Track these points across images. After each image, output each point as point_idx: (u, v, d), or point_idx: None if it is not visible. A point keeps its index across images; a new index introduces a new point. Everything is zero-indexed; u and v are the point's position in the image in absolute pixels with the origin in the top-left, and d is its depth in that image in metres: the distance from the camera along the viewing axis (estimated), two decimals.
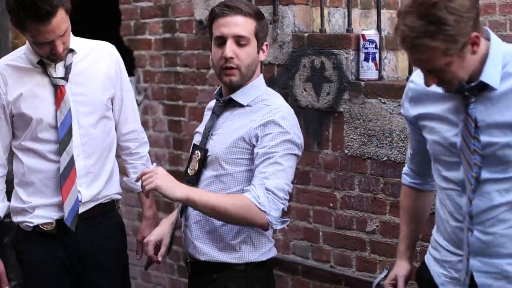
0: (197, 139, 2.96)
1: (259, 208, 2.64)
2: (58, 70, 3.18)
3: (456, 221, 2.49)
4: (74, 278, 3.29)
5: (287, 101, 3.88)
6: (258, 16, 2.81)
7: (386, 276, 3.58)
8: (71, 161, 3.18)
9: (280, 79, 4.08)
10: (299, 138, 2.83)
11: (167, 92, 4.79)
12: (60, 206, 3.20)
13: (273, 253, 2.95)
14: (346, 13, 4.15)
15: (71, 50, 3.19)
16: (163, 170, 2.71)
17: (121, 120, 3.40)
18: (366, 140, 3.71)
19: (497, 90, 2.31)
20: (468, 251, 2.44)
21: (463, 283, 2.49)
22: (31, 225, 3.24)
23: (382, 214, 3.69)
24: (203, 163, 2.85)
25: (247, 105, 2.84)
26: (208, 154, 2.84)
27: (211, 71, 4.50)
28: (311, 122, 3.93)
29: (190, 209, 2.88)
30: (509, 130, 2.30)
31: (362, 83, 3.73)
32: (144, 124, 4.82)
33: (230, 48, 2.76)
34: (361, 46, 3.76)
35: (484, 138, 2.33)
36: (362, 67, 3.76)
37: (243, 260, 2.84)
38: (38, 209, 3.23)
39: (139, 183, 3.23)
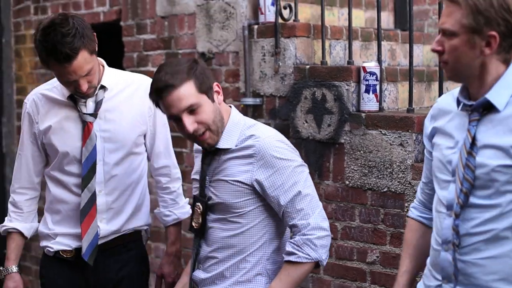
0: (195, 186, 2.96)
1: (317, 262, 2.77)
2: (89, 106, 3.20)
3: (436, 244, 2.50)
4: None
5: (288, 133, 3.97)
6: (190, 74, 2.71)
7: None
8: (93, 197, 3.22)
9: (281, 111, 4.12)
10: (298, 156, 2.86)
11: (170, 123, 4.81)
12: (79, 237, 3.24)
13: None
14: (347, 45, 4.21)
15: (103, 87, 3.20)
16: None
17: (153, 155, 3.39)
18: (366, 171, 3.74)
19: (500, 113, 2.33)
20: (454, 273, 2.43)
21: None
22: (52, 250, 3.30)
23: (382, 244, 3.71)
24: (206, 214, 2.86)
25: (235, 146, 2.81)
26: (213, 201, 2.84)
27: None
28: (312, 153, 3.96)
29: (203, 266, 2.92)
30: (503, 154, 2.30)
31: (363, 114, 3.77)
32: None
33: (188, 122, 2.70)
34: (362, 78, 3.80)
35: (478, 158, 2.34)
36: (363, 98, 3.80)
37: None
38: (60, 236, 3.29)
39: (167, 218, 3.39)
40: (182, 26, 4.73)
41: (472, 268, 2.39)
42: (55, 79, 3.21)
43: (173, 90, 2.67)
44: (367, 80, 3.79)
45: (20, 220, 3.38)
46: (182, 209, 3.46)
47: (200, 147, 2.94)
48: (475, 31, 2.28)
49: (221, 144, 2.81)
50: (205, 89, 2.73)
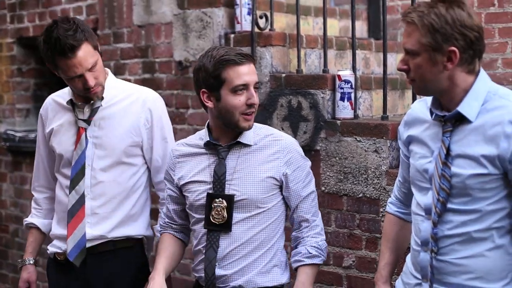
0: (199, 189, 3.00)
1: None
2: (85, 112, 3.31)
3: (416, 245, 2.61)
4: None
5: None
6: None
7: None
8: (81, 200, 3.30)
9: (258, 118, 4.13)
10: None
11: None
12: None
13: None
14: (322, 54, 4.28)
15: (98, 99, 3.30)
16: None
17: (152, 169, 3.44)
18: (342, 177, 3.81)
19: (472, 123, 2.43)
20: (431, 273, 2.53)
21: None
22: (49, 252, 3.44)
23: (358, 249, 3.78)
24: (231, 208, 2.93)
25: (254, 144, 2.97)
26: (238, 198, 2.92)
27: (190, 111, 4.60)
28: None
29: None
30: (475, 163, 2.42)
31: (338, 122, 3.84)
32: None
33: (254, 96, 2.92)
34: (337, 86, 3.87)
35: (453, 168, 2.45)
36: (338, 106, 3.87)
37: (276, 283, 3.00)
38: (56, 239, 3.42)
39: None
40: (159, 35, 4.77)
41: (450, 267, 2.50)
42: (68, 87, 3.36)
43: (252, 61, 2.97)
44: (342, 88, 3.86)
45: (39, 216, 3.60)
46: None
47: (185, 152, 3.07)
48: (435, 49, 2.39)
49: (242, 139, 2.95)
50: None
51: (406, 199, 2.86)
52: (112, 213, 3.34)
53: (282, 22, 4.76)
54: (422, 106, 2.65)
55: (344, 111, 3.86)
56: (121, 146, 3.33)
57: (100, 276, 3.34)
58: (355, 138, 3.76)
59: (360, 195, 3.75)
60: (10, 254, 5.99)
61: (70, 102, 3.33)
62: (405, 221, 2.89)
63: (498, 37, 5.03)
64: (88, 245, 3.30)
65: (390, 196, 3.51)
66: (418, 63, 2.43)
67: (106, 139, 3.32)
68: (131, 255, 3.42)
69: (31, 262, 3.55)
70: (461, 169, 2.44)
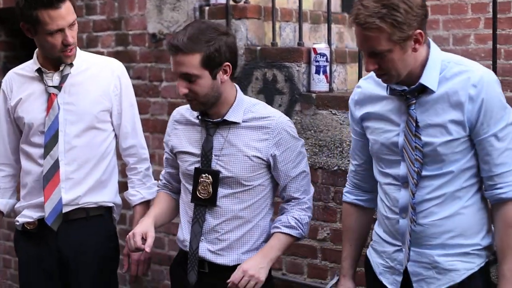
0: (189, 160, 3.01)
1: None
2: (55, 79, 3.34)
3: (393, 213, 2.66)
4: (58, 280, 3.39)
5: None
6: (204, 46, 2.80)
7: (337, 283, 3.69)
8: (55, 165, 3.32)
9: None
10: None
11: (138, 103, 4.81)
12: (42, 206, 3.33)
13: None
14: (297, 28, 4.28)
15: (71, 64, 3.34)
16: (249, 263, 2.88)
17: (120, 135, 3.47)
18: (317, 150, 3.82)
19: (434, 93, 2.50)
20: (409, 240, 2.59)
21: (398, 271, 2.67)
22: (18, 223, 3.42)
23: (333, 222, 3.80)
24: (216, 184, 2.94)
25: (243, 121, 2.94)
26: (224, 175, 2.93)
27: (164, 84, 4.58)
28: None
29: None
30: (445, 130, 2.50)
31: (313, 95, 3.85)
32: None
33: (181, 85, 2.84)
34: (312, 59, 3.87)
35: (423, 137, 2.52)
36: (313, 79, 3.87)
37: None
38: (25, 209, 3.41)
39: (133, 197, 3.46)
40: (133, 7, 4.73)
41: (431, 229, 2.58)
42: (29, 61, 3.41)
43: (181, 52, 2.79)
44: (317, 61, 3.86)
45: None
46: (149, 189, 3.51)
47: (179, 118, 3.07)
48: (405, 39, 2.42)
49: (229, 117, 2.92)
50: (209, 65, 2.82)
51: (364, 181, 2.90)
52: (84, 178, 3.37)
53: None
54: (371, 83, 2.71)
55: (319, 84, 3.86)
56: (93, 111, 3.36)
57: (71, 244, 3.36)
58: (330, 111, 3.77)
59: (335, 168, 3.76)
60: None
61: (39, 70, 3.35)
62: (363, 208, 2.93)
63: (471, 13, 5.07)
64: (63, 210, 3.33)
65: None
66: (390, 58, 2.45)
67: (77, 105, 3.35)
68: (101, 223, 3.45)
69: None
70: (432, 137, 2.51)
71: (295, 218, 2.97)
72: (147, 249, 2.94)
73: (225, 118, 2.93)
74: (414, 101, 2.53)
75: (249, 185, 2.94)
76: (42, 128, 3.33)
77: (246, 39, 4.16)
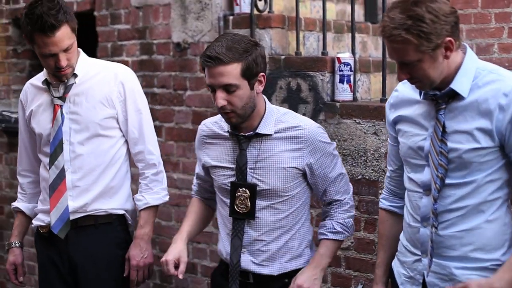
0: (224, 173, 3.02)
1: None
2: (60, 90, 3.40)
3: (414, 221, 2.66)
4: (72, 284, 3.46)
5: None
6: (243, 56, 2.80)
7: None
8: (61, 174, 3.38)
9: None
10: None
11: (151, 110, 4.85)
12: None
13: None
14: (320, 37, 4.30)
15: (74, 74, 3.38)
16: (302, 277, 2.94)
17: (129, 141, 3.51)
18: (341, 159, 3.81)
19: (465, 99, 2.49)
20: (431, 247, 2.58)
21: (418, 282, 2.66)
22: (33, 225, 3.54)
23: (357, 231, 3.80)
24: (254, 198, 2.95)
25: (275, 132, 2.94)
26: (261, 188, 2.94)
27: (188, 92, 4.60)
28: None
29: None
30: (472, 138, 2.48)
31: (337, 104, 3.86)
32: None
33: (220, 97, 2.81)
34: (336, 68, 3.89)
35: (449, 143, 2.51)
36: (337, 88, 3.88)
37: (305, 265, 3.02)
38: (40, 213, 3.51)
39: (138, 202, 3.47)
40: (157, 16, 4.76)
41: (451, 240, 2.55)
42: (43, 72, 3.46)
43: (220, 64, 2.78)
44: (341, 70, 3.87)
45: (24, 201, 3.68)
46: (154, 194, 3.52)
47: (209, 133, 3.07)
48: (434, 48, 2.42)
49: (261, 129, 2.92)
50: (248, 75, 2.82)
51: (399, 188, 2.88)
52: (92, 185, 3.42)
53: (280, 4, 4.75)
54: (407, 87, 2.70)
55: (343, 93, 3.87)
56: (96, 118, 3.40)
57: (80, 251, 3.42)
58: (355, 120, 3.78)
59: (359, 177, 3.77)
60: (5, 235, 5.98)
61: (45, 81, 3.41)
62: (398, 214, 2.91)
63: (495, 22, 5.05)
64: (71, 217, 3.39)
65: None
66: (421, 67, 2.45)
67: (81, 114, 3.40)
68: (111, 231, 3.49)
69: (17, 245, 3.64)
70: (458, 144, 2.50)
71: (340, 223, 3.01)
72: (180, 276, 3.01)
73: (257, 131, 2.93)
74: (444, 106, 2.53)
75: (286, 195, 2.95)
76: (49, 138, 3.40)
77: (270, 48, 4.18)
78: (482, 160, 2.48)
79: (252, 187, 2.93)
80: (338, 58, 3.88)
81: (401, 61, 2.47)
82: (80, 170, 3.41)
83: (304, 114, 3.94)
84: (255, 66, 2.83)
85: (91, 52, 5.10)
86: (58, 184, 3.38)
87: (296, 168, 2.93)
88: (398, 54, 2.45)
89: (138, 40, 4.89)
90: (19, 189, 3.71)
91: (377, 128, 3.68)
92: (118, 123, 3.46)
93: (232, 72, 2.79)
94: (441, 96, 2.52)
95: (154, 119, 4.74)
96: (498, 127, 2.44)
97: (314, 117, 3.91)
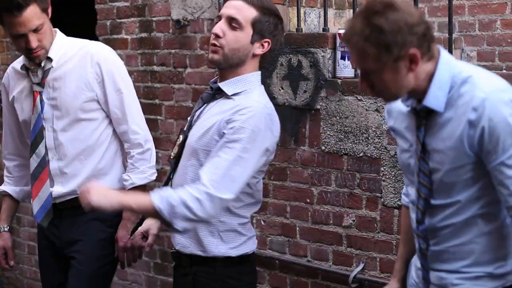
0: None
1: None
2: (39, 75, 3.34)
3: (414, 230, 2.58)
4: (67, 262, 3.46)
5: None
6: (264, 10, 2.79)
7: (362, 269, 3.68)
8: (42, 162, 3.37)
9: None
10: (258, 138, 2.72)
11: (144, 91, 4.82)
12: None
13: (247, 249, 2.91)
14: (321, 13, 4.25)
15: (49, 58, 3.31)
16: (95, 184, 2.77)
17: (113, 121, 3.44)
18: (342, 136, 3.79)
19: (444, 115, 2.34)
20: (424, 261, 2.52)
21: None
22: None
23: (358, 209, 3.78)
24: (183, 148, 2.88)
25: (232, 95, 2.83)
26: (187, 141, 2.85)
27: (188, 70, 4.56)
28: (288, 120, 4.00)
29: None
30: (447, 158, 2.34)
31: (339, 81, 3.82)
32: None
33: (220, 26, 2.77)
34: (337, 45, 3.84)
35: (431, 163, 2.38)
36: (338, 65, 3.84)
37: (210, 253, 2.84)
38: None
39: (125, 182, 3.43)
40: None
41: (444, 255, 2.46)
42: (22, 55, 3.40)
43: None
44: (342, 47, 3.83)
45: (11, 184, 3.65)
46: (140, 174, 3.44)
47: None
48: (395, 59, 2.26)
49: (224, 85, 2.84)
50: (257, 27, 2.78)
51: None
52: (80, 170, 3.40)
53: None
54: None
55: (345, 70, 3.83)
56: (76, 103, 3.35)
57: (68, 231, 3.42)
58: (356, 97, 3.74)
59: (361, 154, 3.73)
60: None
61: (24, 67, 3.37)
62: None
63: None
64: (58, 201, 3.39)
65: (391, 156, 3.53)
66: (380, 78, 2.31)
67: (61, 99, 3.35)
68: (105, 213, 3.36)
69: (6, 229, 3.60)
70: (438, 164, 2.37)
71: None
72: (147, 249, 3.02)
73: (219, 84, 2.83)
74: (423, 122, 2.39)
75: (202, 161, 2.78)
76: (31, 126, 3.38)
77: None
78: (463, 178, 2.34)
79: (185, 136, 2.90)
80: (339, 34, 3.84)
81: (361, 68, 2.34)
82: (66, 156, 3.38)
83: (305, 91, 3.91)
84: (267, 27, 2.80)
85: (91, 30, 5.07)
86: (39, 173, 3.37)
87: (214, 129, 2.75)
88: (358, 61, 2.33)
89: (137, 17, 4.84)
90: (5, 173, 3.67)
91: (378, 105, 3.65)
92: (100, 104, 3.39)
93: (245, 11, 2.77)
94: (420, 111, 2.39)
95: (154, 97, 4.74)
96: (470, 144, 2.28)
97: (315, 94, 3.87)
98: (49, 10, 3.27)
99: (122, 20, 4.93)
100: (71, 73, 3.34)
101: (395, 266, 2.87)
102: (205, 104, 2.89)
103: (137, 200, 2.73)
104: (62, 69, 3.34)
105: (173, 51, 4.64)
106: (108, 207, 2.67)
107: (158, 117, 4.76)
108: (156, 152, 4.72)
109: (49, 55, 3.31)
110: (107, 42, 4.98)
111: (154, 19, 4.74)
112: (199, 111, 2.90)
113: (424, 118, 2.38)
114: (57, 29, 3.41)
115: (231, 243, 2.86)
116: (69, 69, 3.35)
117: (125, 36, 4.90)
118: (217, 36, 2.77)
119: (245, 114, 2.70)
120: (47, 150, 3.38)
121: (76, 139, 3.37)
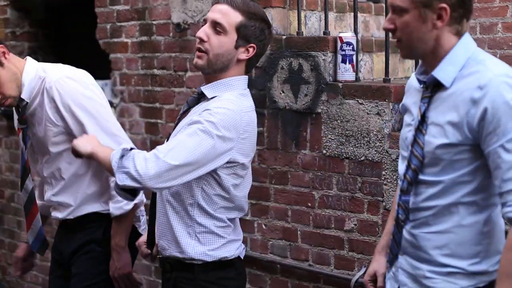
0: None
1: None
2: (20, 113, 3.32)
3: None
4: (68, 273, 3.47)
5: (265, 103, 3.99)
6: (250, 15, 2.78)
7: (364, 274, 3.65)
8: (31, 197, 3.40)
9: (258, 81, 4.13)
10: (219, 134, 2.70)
11: (144, 94, 4.81)
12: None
13: (226, 252, 2.88)
14: (322, 17, 4.24)
15: (21, 99, 3.26)
16: (90, 136, 2.92)
17: None
18: (344, 140, 3.78)
19: (448, 89, 2.34)
20: (396, 243, 2.51)
21: (396, 279, 2.58)
22: None
23: (359, 212, 3.76)
24: None
25: (211, 98, 2.82)
26: None
27: (189, 74, 4.55)
28: (289, 123, 3.99)
29: (157, 208, 2.92)
30: (443, 132, 2.33)
31: (340, 84, 3.80)
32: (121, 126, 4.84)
33: (205, 30, 2.78)
34: (338, 48, 3.83)
35: (426, 136, 2.38)
36: (339, 68, 3.83)
37: (187, 254, 2.83)
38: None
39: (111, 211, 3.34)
40: None
41: (422, 241, 2.44)
42: None
43: (229, 4, 2.78)
44: (343, 50, 3.81)
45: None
46: (116, 203, 3.31)
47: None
48: (426, 5, 2.30)
49: (205, 89, 2.87)
50: (240, 32, 2.78)
51: None
52: (68, 198, 3.36)
53: None
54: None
55: (346, 73, 3.82)
56: (46, 139, 3.30)
57: (67, 247, 3.43)
58: (357, 101, 3.72)
59: (362, 158, 3.72)
60: (6, 219, 5.95)
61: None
62: None
63: (498, 1, 5.00)
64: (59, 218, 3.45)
65: (393, 160, 3.51)
66: (406, 20, 2.33)
67: (36, 135, 3.33)
68: (90, 231, 3.42)
69: (25, 240, 3.67)
70: (432, 137, 2.36)
71: None
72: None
73: (201, 88, 2.85)
74: (428, 95, 2.39)
75: None
76: None
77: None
78: (453, 158, 2.32)
79: (167, 139, 2.94)
80: (341, 38, 3.83)
81: (392, 3, 2.36)
82: (52, 187, 3.39)
83: (306, 95, 3.90)
84: (252, 32, 2.79)
85: (91, 33, 5.06)
86: (30, 207, 3.40)
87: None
88: None
89: (138, 21, 4.83)
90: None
91: (380, 108, 3.63)
92: (69, 135, 3.25)
93: (230, 16, 2.76)
94: (428, 84, 2.40)
95: (154, 101, 4.73)
96: (470, 122, 2.27)
97: (316, 97, 3.86)
98: (4, 57, 3.18)
99: (122, 24, 4.91)
100: (37, 110, 3.27)
101: (380, 241, 2.85)
102: (190, 108, 2.89)
103: (104, 150, 2.78)
104: (33, 105, 3.28)
105: (173, 54, 4.63)
106: (82, 149, 2.79)
107: (159, 121, 4.75)
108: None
109: (22, 95, 3.24)
110: (107, 45, 4.98)
111: (154, 22, 4.73)
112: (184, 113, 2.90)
113: (431, 91, 2.39)
114: (27, 58, 3.33)
115: (209, 245, 2.84)
116: (36, 106, 3.27)
117: (125, 40, 4.89)
118: (201, 40, 2.78)
119: (211, 110, 2.72)
120: (41, 180, 3.46)
121: (56, 171, 3.34)
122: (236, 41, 2.78)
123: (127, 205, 3.28)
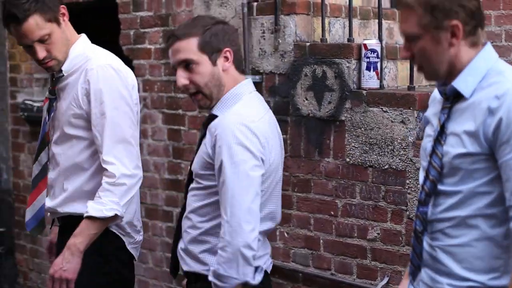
0: None
1: None
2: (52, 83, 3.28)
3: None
4: None
5: (288, 110, 3.97)
6: (198, 31, 2.73)
7: (387, 283, 3.62)
8: (43, 170, 3.29)
9: (281, 88, 4.11)
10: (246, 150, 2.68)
11: (167, 101, 4.81)
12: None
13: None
14: (346, 23, 4.21)
15: (60, 69, 3.20)
16: None
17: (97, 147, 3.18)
18: (367, 148, 3.75)
19: (467, 100, 2.32)
20: (417, 256, 2.47)
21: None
22: None
23: (383, 222, 3.72)
24: (191, 174, 2.87)
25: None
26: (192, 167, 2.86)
27: None
28: (312, 131, 3.96)
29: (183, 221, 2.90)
30: (460, 141, 2.30)
31: (364, 92, 3.77)
32: (143, 133, 4.85)
33: (180, 76, 2.74)
34: (362, 55, 3.80)
35: (445, 146, 2.35)
36: (363, 76, 3.80)
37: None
38: None
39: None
40: (180, 3, 4.69)
41: (440, 254, 2.40)
42: None
43: (176, 40, 2.74)
44: (368, 57, 3.79)
45: None
46: (99, 205, 3.06)
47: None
48: (437, 27, 2.28)
49: (215, 110, 2.81)
50: (208, 50, 2.74)
51: None
52: (64, 186, 3.21)
53: None
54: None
55: (370, 81, 3.79)
56: (64, 117, 3.19)
57: (61, 247, 3.18)
58: (381, 109, 3.69)
59: (386, 166, 3.68)
60: None
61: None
62: None
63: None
64: (53, 216, 3.36)
65: (417, 168, 3.48)
66: (421, 46, 2.30)
67: (59, 110, 3.23)
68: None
69: (58, 223, 3.41)
70: (451, 147, 2.33)
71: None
72: None
73: (212, 112, 2.81)
74: (448, 105, 2.37)
75: (201, 184, 2.83)
76: None
77: (295, 35, 4.09)
78: (471, 167, 2.29)
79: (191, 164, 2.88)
80: (365, 45, 3.80)
81: (403, 32, 2.34)
82: (54, 169, 3.25)
83: (329, 102, 3.87)
84: (216, 40, 2.76)
85: (115, 39, 5.06)
86: (38, 181, 3.29)
87: (207, 153, 2.77)
88: (402, 22, 2.34)
89: (161, 27, 4.82)
90: None
91: (404, 116, 3.60)
92: (88, 123, 3.15)
93: (188, 46, 2.73)
94: (448, 95, 2.38)
95: (177, 108, 4.72)
96: (485, 131, 2.23)
97: (340, 105, 3.83)
98: (63, 18, 3.13)
99: (146, 30, 4.92)
100: (69, 86, 3.19)
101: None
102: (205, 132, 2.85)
103: None
104: (67, 80, 3.20)
105: None
106: None
107: (182, 128, 4.74)
108: (179, 162, 4.74)
109: (63, 66, 3.19)
110: (131, 51, 4.98)
111: None
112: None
113: (451, 102, 2.37)
114: (83, 35, 3.27)
115: None
116: (70, 81, 3.20)
117: (149, 46, 4.89)
118: (186, 87, 2.76)
119: (232, 148, 2.66)
120: (49, 158, 3.28)
121: (63, 153, 3.20)
122: (210, 60, 2.76)
123: (110, 212, 3.06)
